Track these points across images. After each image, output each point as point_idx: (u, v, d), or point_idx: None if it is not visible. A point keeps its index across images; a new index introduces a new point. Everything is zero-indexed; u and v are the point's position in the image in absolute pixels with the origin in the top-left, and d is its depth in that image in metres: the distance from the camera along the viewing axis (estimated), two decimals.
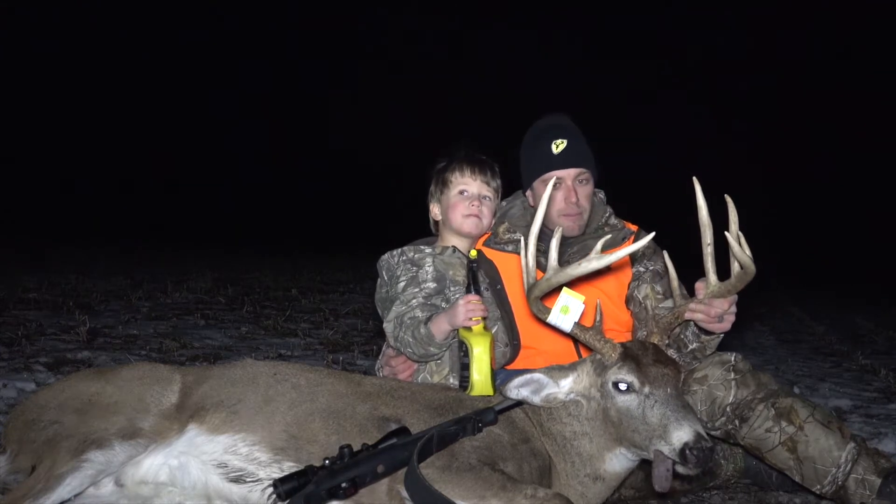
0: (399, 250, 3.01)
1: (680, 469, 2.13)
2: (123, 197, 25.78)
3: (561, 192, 3.03)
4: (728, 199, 2.31)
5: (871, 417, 4.39)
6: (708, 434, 2.14)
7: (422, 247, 3.00)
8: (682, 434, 2.10)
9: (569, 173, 3.04)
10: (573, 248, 3.07)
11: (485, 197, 3.01)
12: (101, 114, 30.54)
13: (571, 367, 2.41)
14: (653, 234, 2.41)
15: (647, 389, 2.22)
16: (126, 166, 28.53)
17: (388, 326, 2.89)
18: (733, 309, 2.50)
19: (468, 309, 2.68)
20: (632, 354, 2.30)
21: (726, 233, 2.30)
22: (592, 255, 2.31)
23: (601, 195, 3.28)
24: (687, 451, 2.08)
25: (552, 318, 2.36)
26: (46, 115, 28.94)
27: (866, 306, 12.08)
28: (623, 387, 2.25)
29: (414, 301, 2.85)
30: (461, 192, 2.99)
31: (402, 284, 2.91)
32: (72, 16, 32.10)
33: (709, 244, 2.35)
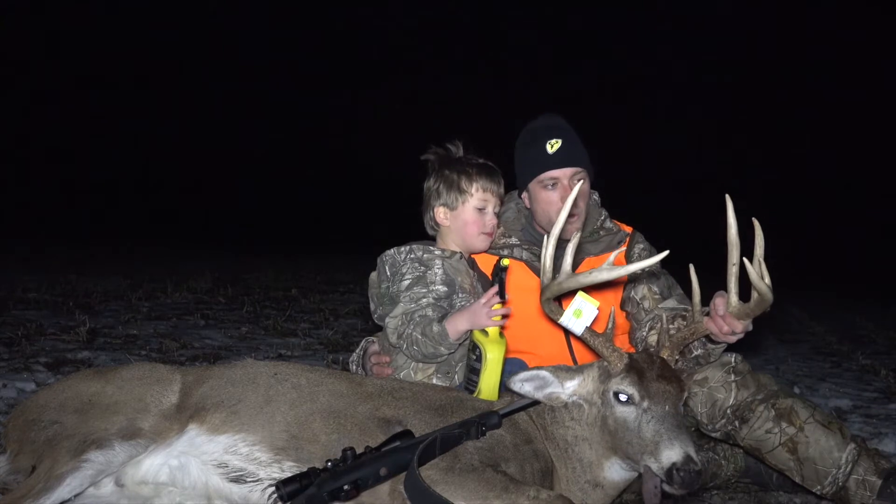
0: (406, 247, 2.90)
1: (666, 488, 2.12)
2: (123, 197, 25.79)
3: (558, 193, 2.99)
4: (756, 223, 2.27)
5: (871, 417, 4.39)
6: (699, 456, 2.11)
7: (430, 247, 2.89)
8: (671, 454, 2.10)
9: (564, 173, 3.00)
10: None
11: (497, 211, 2.97)
12: (101, 114, 30.54)
13: (579, 370, 2.40)
14: (666, 252, 2.36)
15: (645, 404, 2.21)
16: (126, 166, 28.53)
17: (392, 321, 2.77)
18: (749, 327, 2.45)
19: (490, 307, 2.56)
20: (637, 367, 2.28)
21: (747, 261, 2.24)
22: (605, 265, 2.32)
23: (595, 197, 3.23)
24: (674, 472, 2.08)
25: (564, 320, 2.35)
26: (45, 114, 28.94)
27: (866, 306, 12.07)
28: (623, 398, 2.25)
29: (424, 300, 2.74)
30: (480, 210, 2.90)
31: (406, 282, 2.80)
32: (73, 10, 32.07)
33: (734, 264, 2.30)
